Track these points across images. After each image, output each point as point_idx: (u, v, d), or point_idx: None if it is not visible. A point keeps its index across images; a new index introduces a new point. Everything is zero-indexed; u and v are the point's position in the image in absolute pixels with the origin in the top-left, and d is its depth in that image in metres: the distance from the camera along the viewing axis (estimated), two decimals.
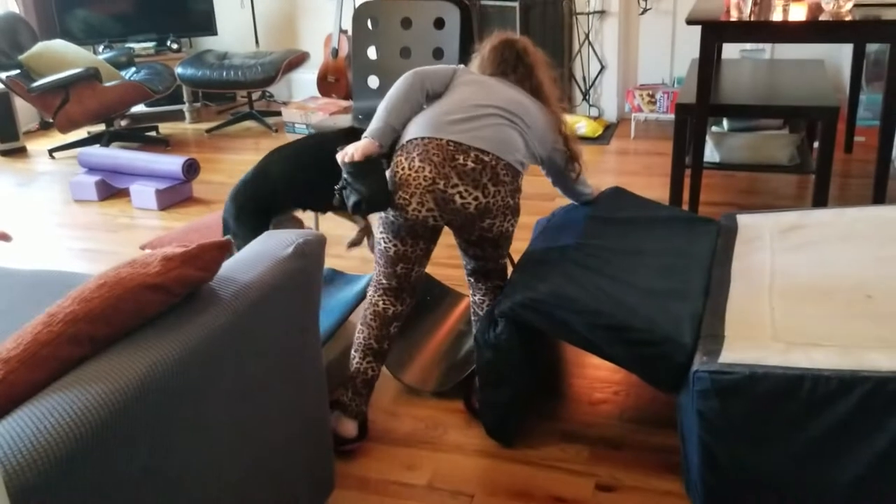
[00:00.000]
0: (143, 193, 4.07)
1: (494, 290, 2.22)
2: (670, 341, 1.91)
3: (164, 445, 1.25)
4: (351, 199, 2.00)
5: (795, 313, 1.95)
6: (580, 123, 4.86)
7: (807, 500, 1.75)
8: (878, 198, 3.18)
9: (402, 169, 1.99)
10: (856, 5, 3.07)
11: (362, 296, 2.40)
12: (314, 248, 1.64)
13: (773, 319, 1.93)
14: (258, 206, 2.43)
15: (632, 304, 2.03)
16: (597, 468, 2.02)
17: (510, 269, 2.28)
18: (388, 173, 2.04)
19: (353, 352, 2.17)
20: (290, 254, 1.58)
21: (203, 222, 3.56)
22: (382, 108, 2.08)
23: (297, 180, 2.46)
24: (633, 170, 4.28)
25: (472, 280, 2.26)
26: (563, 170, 2.34)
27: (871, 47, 4.23)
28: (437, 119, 2.03)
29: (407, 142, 2.02)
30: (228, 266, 1.53)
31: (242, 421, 1.48)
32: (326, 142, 2.44)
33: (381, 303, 2.15)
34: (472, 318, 2.32)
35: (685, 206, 3.39)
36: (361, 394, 2.13)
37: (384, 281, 2.14)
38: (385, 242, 2.09)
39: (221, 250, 1.42)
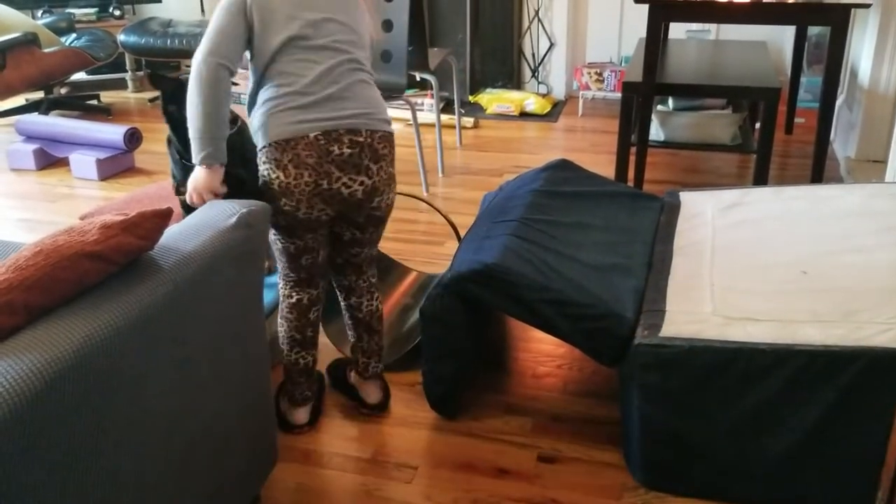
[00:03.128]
0: (84, 163, 3.96)
1: (371, 288, 2.11)
2: (613, 315, 1.95)
3: (101, 417, 1.23)
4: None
5: (734, 288, 2.00)
6: (529, 100, 4.88)
7: (742, 471, 1.81)
8: (816, 177, 3.27)
9: (278, 178, 1.81)
10: None
11: None
12: (259, 219, 1.62)
13: (712, 294, 1.98)
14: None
15: (576, 278, 2.05)
16: (539, 440, 2.05)
17: (454, 244, 2.27)
18: (261, 176, 1.85)
19: (280, 344, 2.08)
20: (234, 223, 1.55)
21: (145, 193, 3.49)
22: (197, 121, 1.75)
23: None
24: (581, 147, 4.32)
25: (343, 279, 2.09)
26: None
27: (813, 30, 4.33)
28: (289, 111, 1.80)
29: (269, 146, 1.81)
30: (170, 235, 1.50)
31: (182, 394, 1.46)
32: None
33: (294, 295, 2.02)
34: (351, 321, 2.14)
35: (630, 184, 3.44)
36: (299, 382, 2.08)
37: (292, 275, 2.00)
38: (282, 242, 1.94)
39: (162, 219, 1.39)
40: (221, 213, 1.59)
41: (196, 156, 1.77)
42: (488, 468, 1.96)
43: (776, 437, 1.77)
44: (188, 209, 1.82)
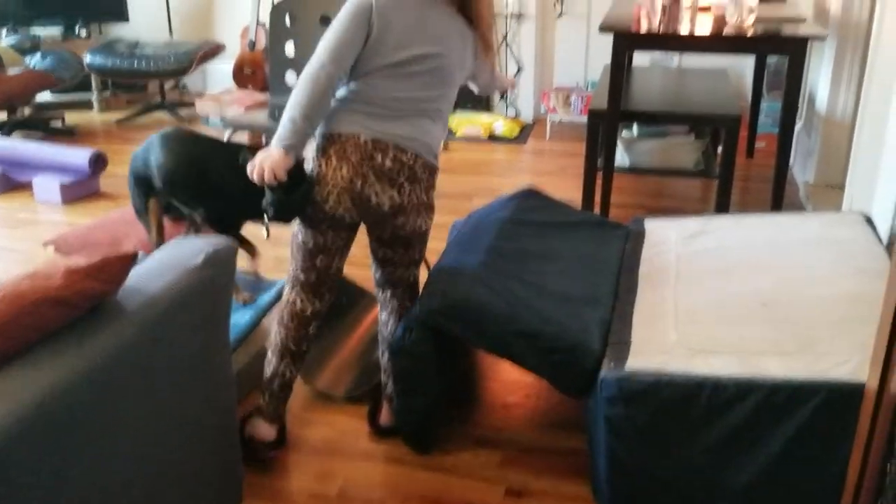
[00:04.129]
0: (47, 187, 3.92)
1: (400, 311, 2.16)
2: (580, 348, 1.97)
3: (68, 463, 1.22)
4: (271, 211, 1.93)
5: (697, 319, 2.03)
6: (498, 123, 4.92)
7: (709, 501, 1.83)
8: (777, 201, 3.34)
9: (320, 166, 1.93)
10: (757, 19, 3.21)
11: (274, 300, 2.38)
12: (225, 257, 1.62)
13: (676, 325, 2.01)
14: (138, 181, 2.52)
15: (543, 310, 2.07)
16: (508, 473, 2.06)
17: (424, 274, 2.29)
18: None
19: (269, 354, 2.10)
20: (200, 263, 1.55)
21: (110, 219, 3.45)
22: (297, 114, 1.87)
23: (177, 176, 2.38)
24: (549, 170, 4.36)
25: (381, 293, 2.19)
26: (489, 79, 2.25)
27: (772, 58, 4.42)
28: (355, 112, 1.93)
29: (323, 135, 1.95)
30: (135, 276, 1.50)
31: (149, 434, 1.45)
32: (225, 152, 2.36)
33: (298, 301, 2.07)
34: (379, 336, 2.25)
35: (597, 208, 3.49)
36: (279, 397, 2.09)
37: (302, 276, 2.05)
38: (303, 236, 2.01)
39: (127, 262, 1.38)
40: (188, 252, 1.59)
41: (281, 140, 1.87)
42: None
43: (739, 469, 1.79)
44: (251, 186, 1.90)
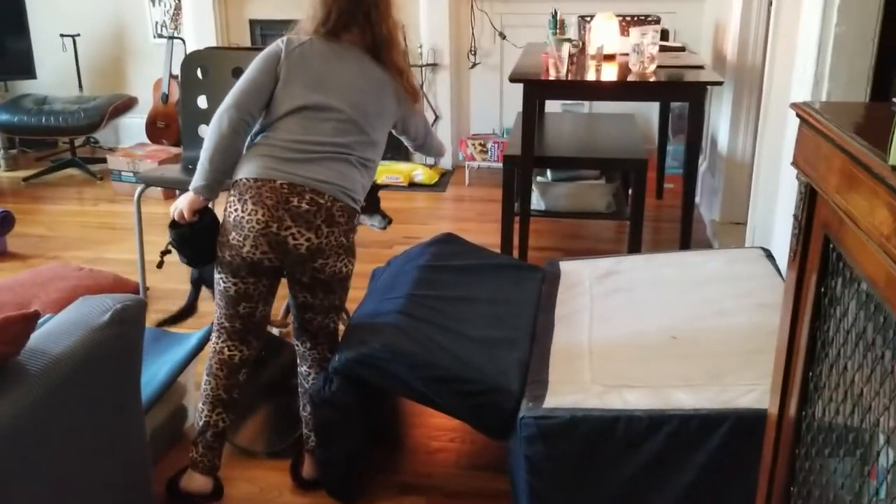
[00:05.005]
0: None
1: (321, 362, 2.14)
2: (499, 390, 1.99)
3: None
4: (183, 256, 2.05)
5: (611, 356, 2.09)
6: (417, 171, 4.98)
7: None
8: (685, 239, 3.47)
9: (236, 210, 1.94)
10: (659, 67, 3.37)
11: (192, 354, 2.33)
12: (133, 314, 1.59)
13: (591, 363, 2.06)
14: None
15: (462, 354, 2.09)
16: None
17: (342, 326, 2.28)
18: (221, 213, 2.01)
19: (199, 405, 2.07)
20: (107, 321, 1.52)
21: (17, 280, 3.32)
22: (204, 157, 1.98)
23: None
24: (468, 216, 4.42)
25: (300, 345, 2.17)
26: (421, 131, 2.31)
27: (676, 102, 4.63)
28: (270, 158, 1.96)
29: (239, 181, 1.96)
30: (39, 337, 1.46)
31: (57, 499, 1.40)
32: None
33: (226, 349, 2.05)
34: (300, 389, 2.22)
35: (515, 252, 3.55)
36: (213, 447, 2.06)
37: (227, 324, 2.04)
38: (224, 283, 2.00)
39: (28, 322, 1.35)
40: (94, 310, 1.55)
41: (193, 182, 2.00)
42: None
43: (658, 500, 1.83)
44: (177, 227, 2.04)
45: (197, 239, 2.00)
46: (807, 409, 1.28)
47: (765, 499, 1.45)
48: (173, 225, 2.03)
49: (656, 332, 2.17)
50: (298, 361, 2.21)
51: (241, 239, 1.92)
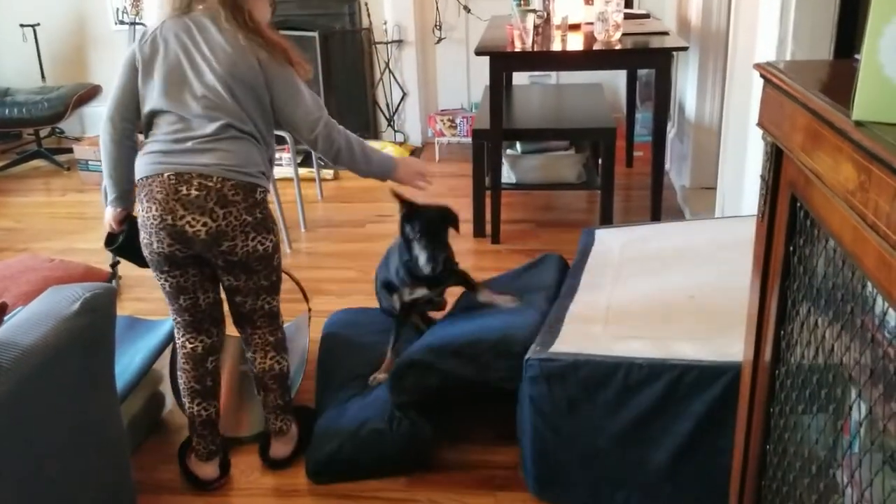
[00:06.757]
0: None
1: (264, 345, 2.11)
2: (506, 340, 2.07)
3: None
4: (132, 262, 2.16)
5: (626, 312, 2.13)
6: (387, 149, 4.95)
7: (628, 477, 1.90)
8: (656, 206, 3.49)
9: (141, 211, 1.97)
10: (625, 35, 3.36)
11: (166, 341, 2.32)
12: (103, 302, 1.57)
13: (606, 318, 2.10)
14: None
15: (474, 330, 2.19)
16: (415, 493, 2.06)
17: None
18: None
19: (182, 398, 2.14)
20: (77, 310, 1.50)
21: (7, 266, 3.27)
22: (105, 174, 2.06)
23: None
24: (440, 192, 4.39)
25: (240, 330, 2.14)
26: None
27: (643, 70, 4.64)
28: (156, 153, 1.94)
29: (138, 182, 1.98)
30: (8, 329, 1.44)
31: (35, 489, 1.39)
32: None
33: (187, 343, 2.08)
34: (251, 374, 2.20)
35: (488, 225, 3.55)
36: (204, 436, 2.11)
37: (178, 318, 2.08)
38: (158, 280, 2.03)
39: None
40: (64, 300, 1.53)
41: (108, 197, 2.09)
42: None
43: (656, 445, 1.86)
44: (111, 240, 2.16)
45: (132, 245, 2.05)
46: (780, 367, 1.30)
47: (741, 457, 1.47)
48: (108, 241, 2.15)
49: (674, 292, 2.20)
50: (244, 347, 2.17)
51: (148, 237, 1.94)
